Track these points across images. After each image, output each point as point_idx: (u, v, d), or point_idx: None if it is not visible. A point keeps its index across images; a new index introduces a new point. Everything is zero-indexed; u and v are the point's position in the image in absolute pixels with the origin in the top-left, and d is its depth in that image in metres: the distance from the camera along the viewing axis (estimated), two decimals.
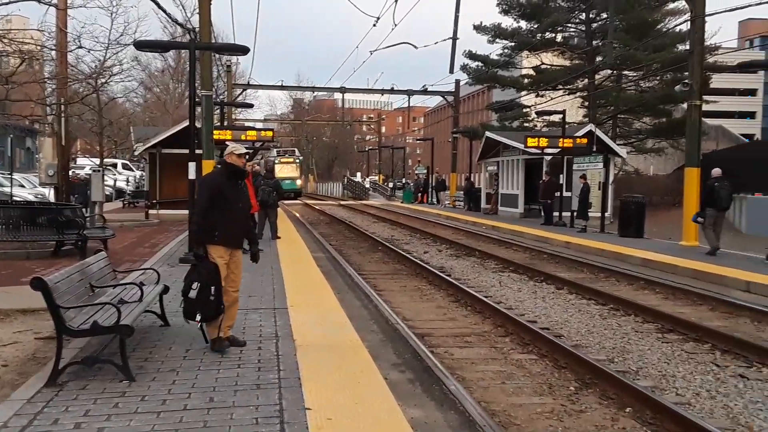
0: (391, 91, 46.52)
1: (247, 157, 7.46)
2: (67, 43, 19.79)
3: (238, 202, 7.03)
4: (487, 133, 34.31)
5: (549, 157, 26.89)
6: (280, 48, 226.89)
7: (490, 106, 47.91)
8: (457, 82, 45.81)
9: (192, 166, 13.57)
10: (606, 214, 23.14)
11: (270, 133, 24.98)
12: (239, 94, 45.61)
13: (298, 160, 61.31)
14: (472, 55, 41.76)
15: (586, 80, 38.18)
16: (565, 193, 25.00)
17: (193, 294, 6.63)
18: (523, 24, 40.44)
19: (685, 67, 24.04)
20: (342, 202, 50.38)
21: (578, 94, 39.79)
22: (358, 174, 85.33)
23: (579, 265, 15.40)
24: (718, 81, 44.28)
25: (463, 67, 41.88)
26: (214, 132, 18.63)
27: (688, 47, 20.96)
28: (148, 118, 55.89)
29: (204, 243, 6.82)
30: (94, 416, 5.09)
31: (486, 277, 13.95)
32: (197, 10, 17.80)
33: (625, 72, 39.07)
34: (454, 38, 30.52)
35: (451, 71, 34.89)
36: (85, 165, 36.40)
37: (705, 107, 21.05)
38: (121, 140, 42.66)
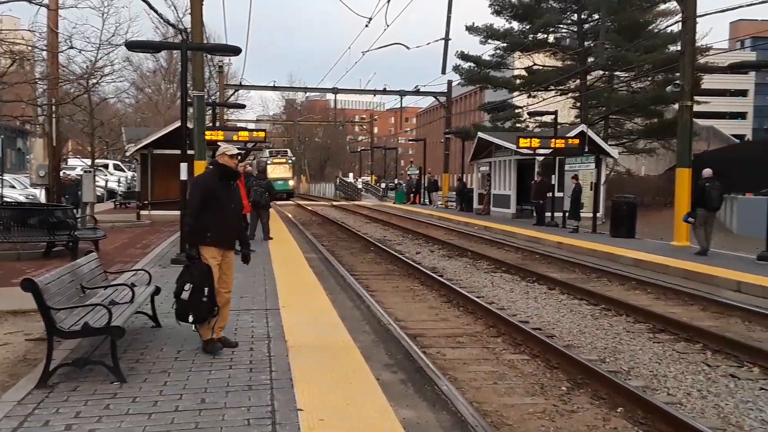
0: (384, 91, 46.51)
1: (239, 157, 7.44)
2: (58, 44, 19.73)
3: (230, 202, 7.02)
4: (480, 134, 34.35)
5: (541, 158, 26.93)
6: (273, 49, 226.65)
7: (483, 106, 47.97)
8: (450, 82, 45.85)
9: (184, 166, 13.55)
10: (598, 215, 23.20)
11: (262, 134, 24.97)
12: (231, 95, 45.53)
13: (290, 161, 61.24)
14: (464, 56, 41.85)
15: (578, 81, 38.28)
16: (557, 194, 25.05)
17: (185, 295, 6.61)
18: (515, 25, 40.58)
19: (677, 68, 24.15)
20: (334, 203, 50.36)
21: (570, 94, 39.90)
22: (351, 175, 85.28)
23: (571, 265, 15.43)
24: (709, 82, 44.44)
25: (456, 68, 41.94)
26: (206, 132, 18.61)
27: (679, 48, 21.02)
28: (139, 118, 55.75)
29: (196, 244, 6.80)
30: (85, 418, 5.07)
31: (478, 277, 13.96)
32: (189, 11, 17.78)
33: (617, 73, 39.24)
34: (447, 39, 30.58)
35: (444, 72, 34.94)
36: (76, 166, 36.28)
37: (696, 108, 21.13)
38: (112, 141, 42.55)
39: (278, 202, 41.95)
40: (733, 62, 17.39)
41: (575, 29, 39.25)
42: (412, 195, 48.57)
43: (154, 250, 15.80)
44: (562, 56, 40.33)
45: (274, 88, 48.55)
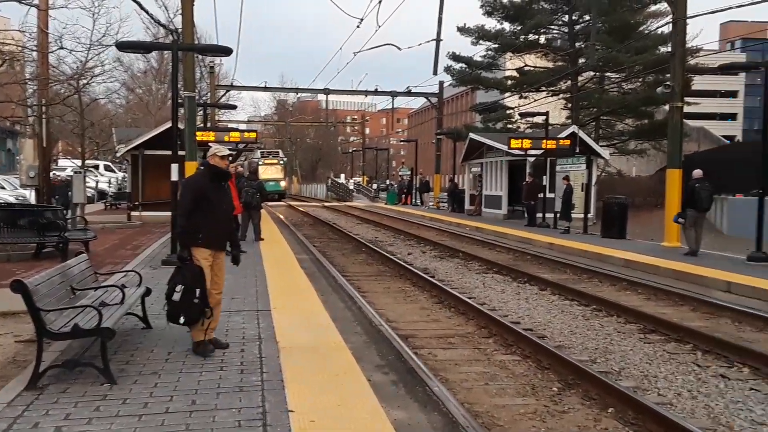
0: (375, 92, 46.50)
1: (230, 158, 7.43)
2: (48, 44, 19.63)
3: (222, 203, 7.00)
4: (471, 135, 34.39)
5: (532, 159, 26.99)
6: (264, 49, 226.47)
7: (474, 107, 48.05)
8: (441, 83, 45.86)
9: (175, 167, 13.51)
10: (589, 216, 23.25)
11: (253, 135, 24.92)
12: (222, 96, 45.45)
13: (282, 162, 61.16)
14: (455, 57, 41.90)
15: (569, 82, 38.38)
16: (549, 195, 25.09)
17: (176, 297, 6.59)
18: (506, 26, 40.69)
19: (667, 69, 24.25)
20: (326, 204, 50.32)
21: (561, 95, 39.99)
22: (342, 175, 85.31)
23: (562, 266, 15.46)
24: (699, 83, 44.69)
25: (447, 69, 41.98)
26: (197, 133, 18.57)
27: (669, 49, 21.10)
28: (130, 119, 55.52)
29: (188, 245, 6.78)
30: (75, 419, 5.05)
31: (470, 278, 13.97)
32: (180, 11, 17.74)
33: (608, 74, 39.37)
34: (438, 40, 30.50)
35: (435, 73, 34.89)
36: (66, 166, 36.11)
37: (687, 109, 21.21)
38: (103, 141, 42.32)
39: (269, 203, 41.89)
40: (723, 63, 17.47)
41: (566, 30, 39.36)
42: (403, 196, 48.57)
43: (145, 252, 15.75)
44: (554, 57, 40.44)
45: (266, 88, 48.47)
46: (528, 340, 8.26)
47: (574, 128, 28.01)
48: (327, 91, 47.08)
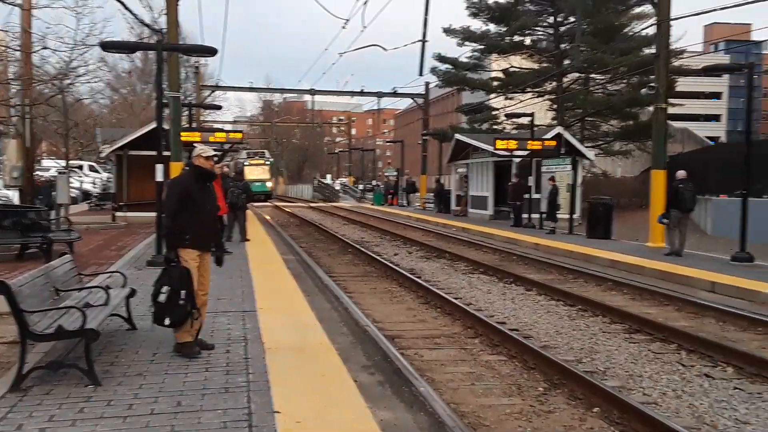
0: (361, 93, 46.54)
1: (215, 159, 7.40)
2: (31, 44, 19.51)
3: (207, 204, 6.97)
4: (457, 136, 34.45)
5: (518, 160, 27.06)
6: (249, 50, 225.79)
7: (460, 108, 48.12)
8: (427, 84, 45.92)
9: (159, 168, 13.45)
10: (574, 216, 23.34)
11: (239, 135, 24.83)
12: (208, 96, 45.30)
13: (269, 162, 60.97)
14: (441, 58, 41.93)
15: (555, 83, 38.52)
16: (534, 195, 25.18)
17: (162, 298, 6.55)
18: (492, 27, 40.72)
19: (652, 71, 24.35)
20: (312, 205, 50.23)
21: (547, 96, 40.10)
22: (329, 176, 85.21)
23: (548, 266, 15.51)
24: (683, 84, 44.89)
25: (433, 70, 42.03)
26: (182, 134, 18.48)
27: (654, 51, 21.20)
28: (114, 119, 55.26)
29: (175, 246, 6.74)
30: (59, 421, 5.02)
31: (456, 278, 13.99)
32: (164, 11, 17.65)
33: (593, 75, 39.52)
34: (424, 41, 30.60)
35: (421, 73, 35.03)
36: (50, 167, 35.88)
37: (671, 110, 21.33)
38: (87, 142, 42.09)
39: (255, 204, 41.74)
40: (707, 65, 17.59)
41: (551, 32, 39.49)
42: (390, 196, 48.55)
43: (130, 252, 15.66)
44: (539, 58, 40.54)
45: (251, 89, 48.42)
46: (514, 341, 8.28)
47: (559, 129, 28.12)
48: (313, 92, 47.04)
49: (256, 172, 56.31)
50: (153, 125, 19.47)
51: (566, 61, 37.58)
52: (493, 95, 43.29)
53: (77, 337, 6.08)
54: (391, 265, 15.01)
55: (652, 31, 26.34)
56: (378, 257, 16.35)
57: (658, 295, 11.71)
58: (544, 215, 23.88)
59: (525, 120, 30.11)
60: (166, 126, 15.86)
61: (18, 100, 21.10)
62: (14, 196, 22.54)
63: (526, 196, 25.39)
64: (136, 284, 8.74)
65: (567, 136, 28.14)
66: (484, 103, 44.50)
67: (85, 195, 37.86)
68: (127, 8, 18.15)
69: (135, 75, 54.49)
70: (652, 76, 23.42)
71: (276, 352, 6.96)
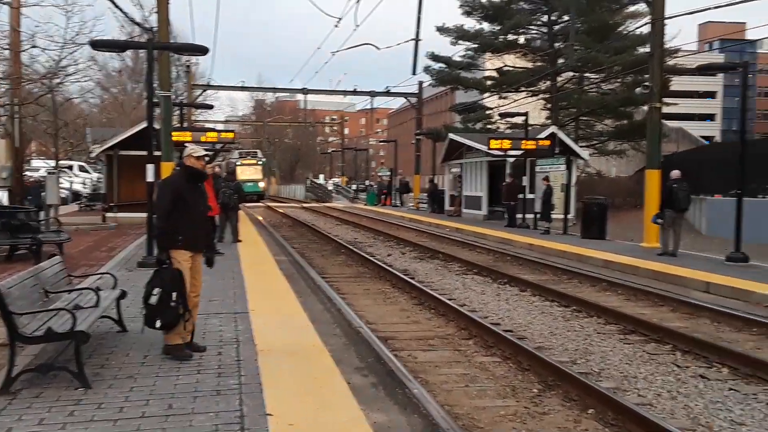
0: (354, 92, 46.48)
1: (206, 159, 7.33)
2: (20, 43, 19.39)
3: (198, 204, 6.92)
4: (451, 135, 34.41)
5: (512, 159, 27.03)
6: (241, 49, 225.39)
7: (454, 107, 48.09)
8: (420, 83, 45.91)
9: (150, 168, 13.37)
10: (569, 216, 23.32)
11: (231, 135, 24.70)
12: (199, 95, 45.14)
13: (261, 162, 60.85)
14: (435, 57, 41.90)
15: (549, 82, 38.53)
16: (528, 195, 25.16)
17: (154, 300, 6.48)
18: (485, 26, 40.72)
19: (646, 70, 24.36)
20: (305, 205, 50.16)
21: (541, 96, 40.12)
22: (321, 176, 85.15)
23: (542, 267, 15.48)
24: (678, 83, 45.07)
25: (426, 69, 41.98)
26: (174, 133, 18.39)
27: (648, 50, 21.21)
28: (105, 119, 55.05)
29: (167, 248, 6.67)
30: (49, 425, 4.98)
31: (450, 279, 13.94)
32: (155, 10, 17.55)
33: (587, 74, 39.55)
34: (417, 39, 30.49)
35: (414, 73, 34.84)
36: (40, 167, 35.72)
37: (665, 110, 21.37)
38: (77, 142, 41.89)
39: (248, 204, 41.68)
40: (702, 64, 17.59)
41: (545, 30, 39.52)
42: (383, 197, 48.50)
43: (120, 254, 15.58)
44: (533, 57, 40.56)
45: (243, 88, 48.30)
46: (508, 342, 8.23)
47: (553, 129, 28.11)
48: (305, 91, 46.97)
49: (248, 172, 56.24)
50: (144, 125, 19.39)
51: (560, 60, 37.59)
52: (486, 94, 43.28)
53: (67, 340, 6.03)
54: (384, 265, 14.95)
55: (646, 29, 26.43)
56: (371, 258, 16.29)
57: (653, 296, 11.68)
58: (538, 215, 23.86)
59: (519, 119, 30.19)
60: (157, 126, 15.78)
61: (7, 99, 20.99)
62: (3, 197, 22.38)
63: (520, 196, 25.38)
64: (126, 286, 8.69)
65: (561, 135, 28.15)
66: (477, 103, 44.49)
67: (75, 195, 37.71)
68: (117, 6, 18.03)
69: (125, 74, 54.30)
70: (647, 75, 23.48)
71: (268, 354, 6.90)
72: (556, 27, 38.89)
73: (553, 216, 23.18)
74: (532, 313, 10.51)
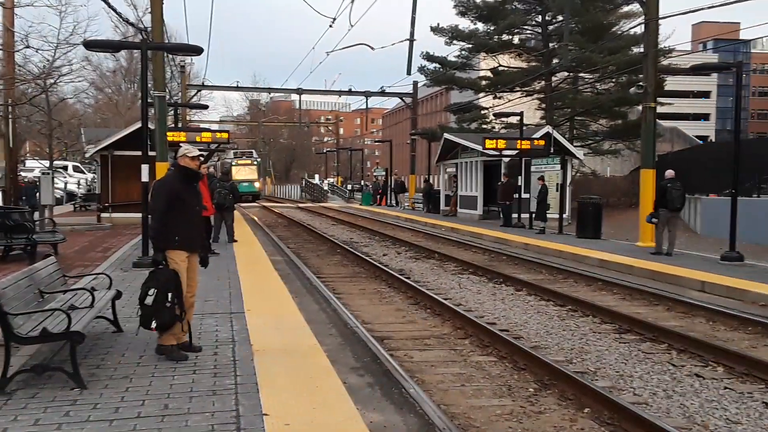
0: (349, 92, 46.39)
1: (201, 159, 7.32)
2: (14, 43, 19.33)
3: (193, 204, 6.91)
4: (446, 135, 34.40)
5: (507, 159, 27.05)
6: (236, 49, 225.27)
7: (449, 107, 48.13)
8: (415, 83, 45.87)
9: (145, 168, 13.33)
10: (564, 216, 23.35)
11: (225, 135, 24.68)
12: (194, 95, 45.08)
13: (256, 162, 60.77)
14: (429, 57, 41.91)
15: (543, 82, 38.57)
16: (524, 195, 25.16)
17: (149, 300, 6.47)
18: (480, 26, 40.78)
19: (640, 70, 24.43)
20: (300, 205, 50.12)
21: (535, 96, 40.20)
22: (317, 176, 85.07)
23: (538, 266, 15.49)
24: (672, 83, 45.11)
25: (421, 69, 42.03)
26: (168, 134, 18.35)
27: (642, 50, 21.25)
28: (99, 119, 54.96)
29: (163, 248, 6.66)
30: (45, 425, 4.97)
31: (445, 279, 13.94)
32: (149, 10, 17.51)
33: (582, 74, 39.62)
34: (411, 39, 30.46)
35: (409, 73, 34.94)
36: (34, 167, 35.63)
37: (659, 109, 21.38)
38: (71, 142, 41.83)
39: (243, 204, 41.67)
40: (696, 64, 17.61)
41: (540, 31, 39.58)
42: (378, 196, 48.47)
43: (115, 254, 15.54)
44: (527, 57, 40.59)
45: (238, 88, 48.19)
46: (504, 341, 8.23)
47: (548, 128, 28.13)
48: (300, 91, 46.87)
49: (244, 173, 56.16)
50: (138, 125, 19.37)
51: (555, 60, 37.63)
52: (481, 94, 43.33)
53: (62, 340, 6.03)
54: (380, 265, 14.94)
55: (640, 30, 26.45)
56: (367, 258, 16.28)
57: (648, 295, 11.70)
58: (533, 215, 23.87)
59: (514, 119, 30.16)
60: (151, 126, 15.77)
61: (0, 99, 20.92)
62: None
63: (516, 195, 25.39)
64: (122, 286, 8.69)
65: (556, 135, 28.16)
66: (472, 103, 44.52)
67: (70, 196, 37.64)
68: (111, 6, 17.93)
69: (120, 74, 54.28)
70: (641, 75, 23.49)
71: (264, 354, 6.89)
72: (551, 27, 38.95)
73: (549, 216, 23.18)
74: (528, 313, 10.52)
